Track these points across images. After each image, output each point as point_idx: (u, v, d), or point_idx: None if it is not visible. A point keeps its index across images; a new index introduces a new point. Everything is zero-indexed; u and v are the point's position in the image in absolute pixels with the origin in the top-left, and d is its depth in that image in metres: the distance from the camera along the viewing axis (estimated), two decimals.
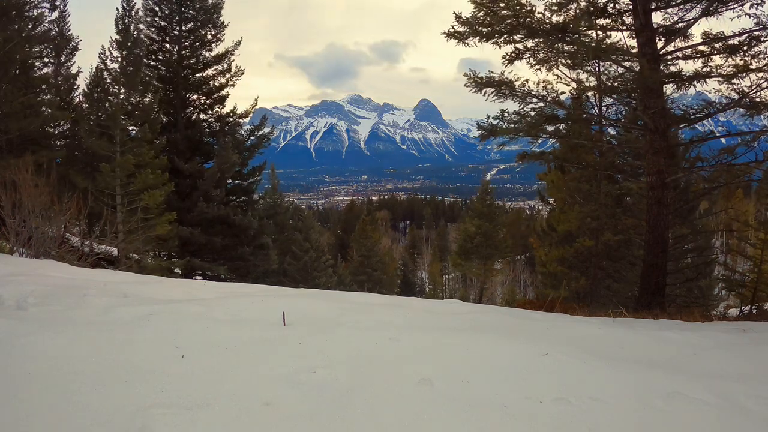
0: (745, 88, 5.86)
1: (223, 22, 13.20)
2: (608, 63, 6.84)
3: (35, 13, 11.95)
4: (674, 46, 6.26)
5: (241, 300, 3.49)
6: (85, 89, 11.67)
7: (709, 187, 7.91)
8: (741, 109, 6.11)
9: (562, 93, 6.81)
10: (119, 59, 10.63)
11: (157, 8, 12.79)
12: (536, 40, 6.47)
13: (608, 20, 6.45)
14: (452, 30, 6.52)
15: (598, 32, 6.51)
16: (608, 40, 6.49)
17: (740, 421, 1.90)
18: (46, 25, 12.86)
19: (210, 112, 13.62)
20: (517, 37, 6.48)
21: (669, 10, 6.24)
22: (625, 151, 9.89)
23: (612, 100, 7.99)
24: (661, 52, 6.25)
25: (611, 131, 10.42)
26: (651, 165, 6.31)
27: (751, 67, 5.71)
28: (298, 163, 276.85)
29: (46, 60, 14.55)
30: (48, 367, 2.00)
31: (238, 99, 17.54)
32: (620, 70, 6.97)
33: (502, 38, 6.48)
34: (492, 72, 6.66)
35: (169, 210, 10.61)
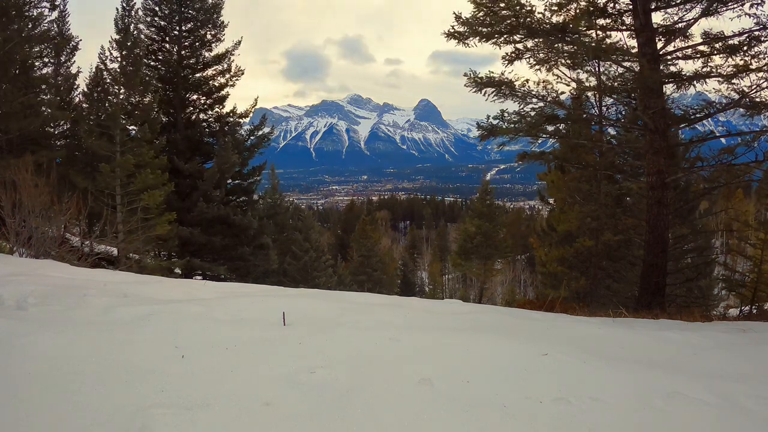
0: (745, 88, 5.86)
1: (222, 22, 13.23)
2: (608, 63, 6.84)
3: (35, 13, 11.91)
4: (674, 46, 6.26)
5: (241, 300, 3.49)
6: (85, 89, 11.70)
7: (709, 187, 7.92)
8: (741, 109, 6.10)
9: (562, 93, 6.82)
10: (119, 59, 10.64)
11: (156, 8, 12.79)
12: (536, 40, 6.47)
13: (608, 20, 6.45)
14: (452, 30, 6.52)
15: (598, 32, 6.51)
16: (608, 40, 6.49)
17: (740, 421, 1.90)
18: (46, 24, 12.82)
19: (210, 112, 13.64)
20: (517, 37, 6.48)
21: (669, 10, 6.24)
22: (625, 151, 9.89)
23: (612, 100, 8.00)
24: (661, 52, 6.25)
25: (611, 131, 10.43)
26: (651, 165, 6.31)
27: (751, 67, 5.71)
28: (298, 163, 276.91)
29: (46, 60, 14.53)
30: (48, 367, 2.00)
31: (238, 99, 17.65)
32: (620, 70, 6.97)
33: (502, 38, 6.48)
34: (492, 72, 6.67)
35: (169, 210, 10.61)
